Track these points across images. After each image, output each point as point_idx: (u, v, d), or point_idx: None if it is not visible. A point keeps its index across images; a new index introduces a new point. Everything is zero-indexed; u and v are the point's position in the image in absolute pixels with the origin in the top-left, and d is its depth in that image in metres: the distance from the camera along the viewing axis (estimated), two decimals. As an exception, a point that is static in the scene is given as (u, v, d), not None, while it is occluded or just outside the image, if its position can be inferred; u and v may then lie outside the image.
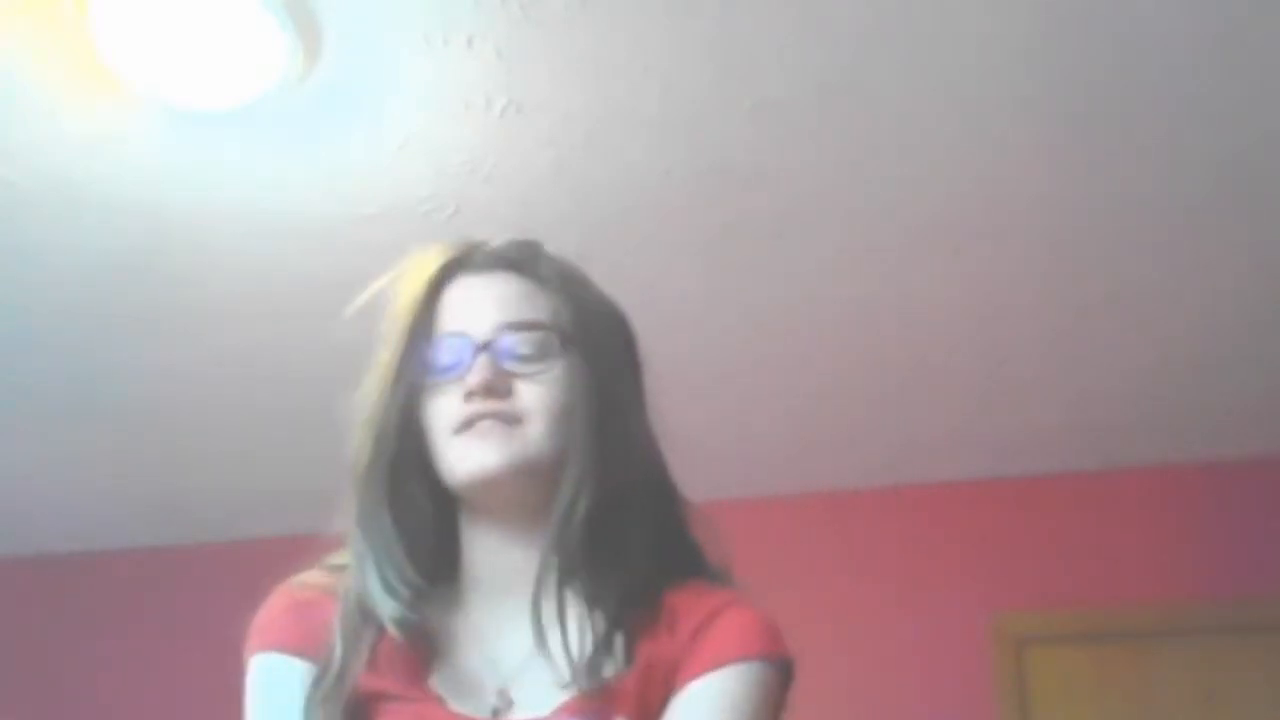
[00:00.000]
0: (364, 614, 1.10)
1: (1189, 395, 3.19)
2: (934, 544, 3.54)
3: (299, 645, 1.12)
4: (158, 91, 2.23)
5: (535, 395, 1.10)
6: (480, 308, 1.14)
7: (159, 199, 2.58)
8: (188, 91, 2.22)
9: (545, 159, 2.46)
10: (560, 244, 2.98)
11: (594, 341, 1.16)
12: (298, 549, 4.54)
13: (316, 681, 1.07)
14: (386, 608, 1.08)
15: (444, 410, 1.11)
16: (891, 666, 3.40)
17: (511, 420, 1.09)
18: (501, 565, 1.12)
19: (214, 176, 2.51)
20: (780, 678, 1.12)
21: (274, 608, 1.19)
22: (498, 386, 1.09)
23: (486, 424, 1.09)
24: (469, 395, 1.09)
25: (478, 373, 1.09)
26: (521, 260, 1.22)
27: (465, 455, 1.09)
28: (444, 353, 1.12)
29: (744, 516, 3.88)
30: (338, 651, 1.08)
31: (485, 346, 1.11)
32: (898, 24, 2.15)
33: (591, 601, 1.08)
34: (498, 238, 1.26)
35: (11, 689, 3.98)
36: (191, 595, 3.99)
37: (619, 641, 1.07)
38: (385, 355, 1.17)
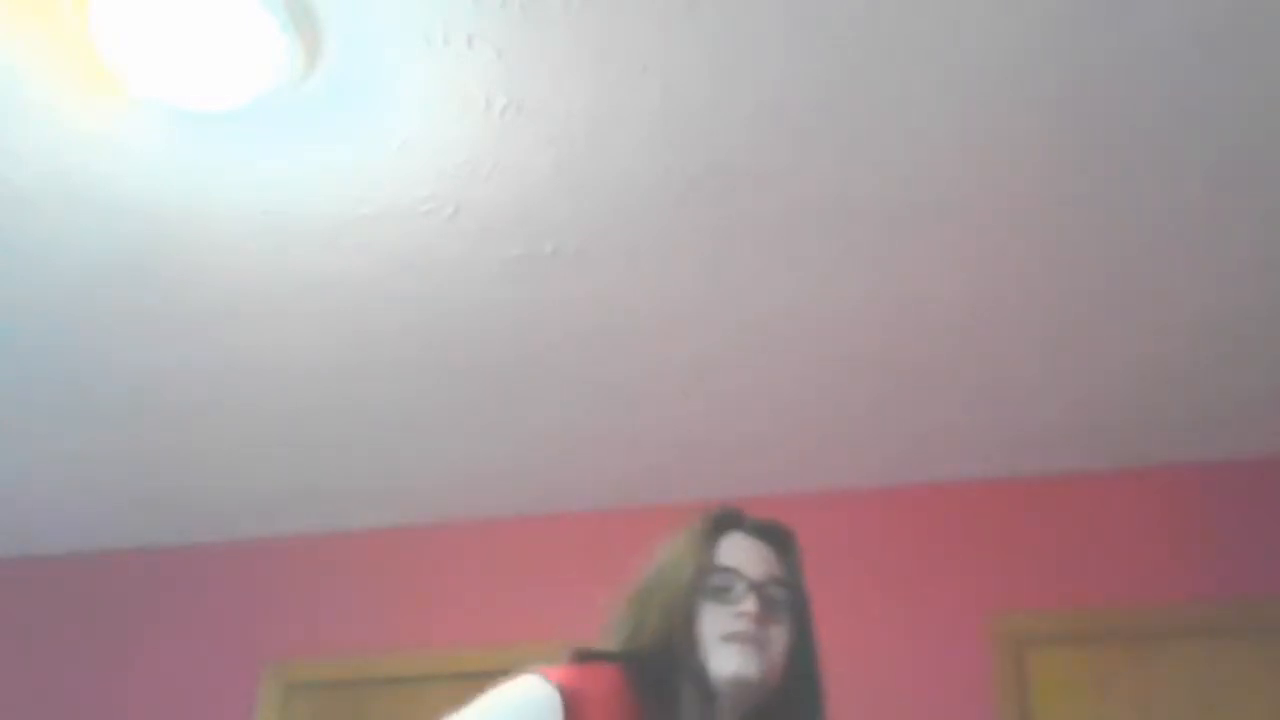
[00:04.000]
0: None
1: (1189, 395, 3.19)
2: (934, 544, 3.54)
3: None
4: (158, 91, 2.23)
5: (778, 634, 1.56)
6: (752, 559, 1.60)
7: (159, 199, 2.58)
8: (188, 91, 2.23)
9: (545, 159, 2.46)
10: (560, 244, 3.01)
11: (806, 617, 1.63)
12: (298, 549, 4.57)
13: None
14: None
15: (715, 620, 1.53)
16: (891, 666, 3.40)
17: (763, 645, 1.53)
18: None
19: (214, 176, 2.51)
20: None
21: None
22: (762, 618, 1.53)
23: (749, 644, 1.52)
24: (739, 616, 1.52)
25: (752, 605, 1.53)
26: (782, 541, 1.66)
27: (730, 660, 1.51)
28: (723, 580, 1.56)
29: (744, 516, 3.87)
30: None
31: (756, 587, 1.55)
32: (898, 24, 2.15)
33: None
34: (758, 516, 1.68)
35: (12, 689, 3.98)
36: (191, 595, 4.00)
37: None
38: (675, 572, 1.58)
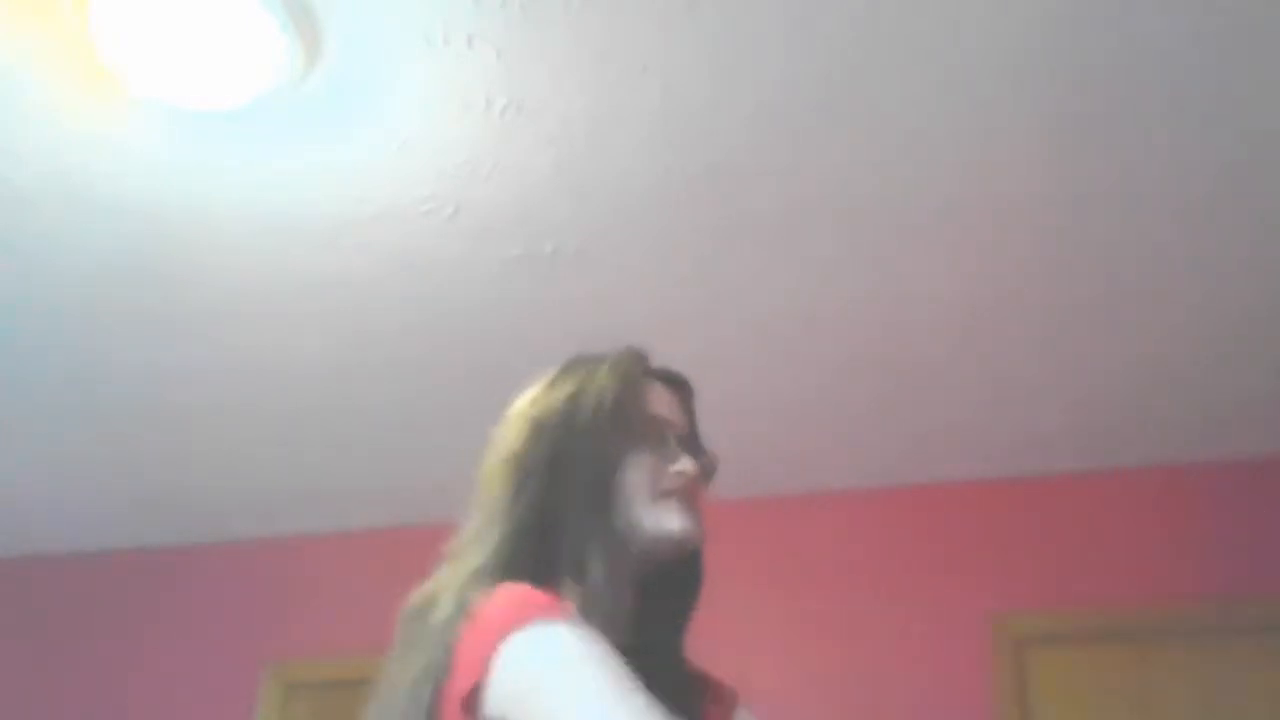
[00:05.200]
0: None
1: (1189, 395, 3.19)
2: (934, 544, 3.54)
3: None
4: (158, 91, 2.23)
5: (700, 491, 1.37)
6: (679, 413, 1.41)
7: (159, 199, 2.58)
8: (188, 91, 2.23)
9: (545, 159, 2.46)
10: (560, 244, 3.01)
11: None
12: (298, 549, 4.58)
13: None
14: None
15: (649, 472, 1.33)
16: (891, 666, 3.40)
17: (698, 504, 1.35)
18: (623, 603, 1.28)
19: (214, 176, 2.51)
20: None
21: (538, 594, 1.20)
22: (696, 481, 1.35)
23: (690, 502, 1.33)
24: (678, 474, 1.33)
25: (693, 464, 1.34)
26: (690, 395, 1.47)
27: (673, 517, 1.32)
28: (656, 429, 1.36)
29: (744, 516, 3.92)
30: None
31: (686, 442, 1.37)
32: (897, 24, 2.15)
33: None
34: (663, 363, 1.48)
35: (12, 689, 3.98)
36: (191, 595, 4.00)
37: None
38: (595, 410, 1.34)
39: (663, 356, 1.52)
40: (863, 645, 3.43)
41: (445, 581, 1.29)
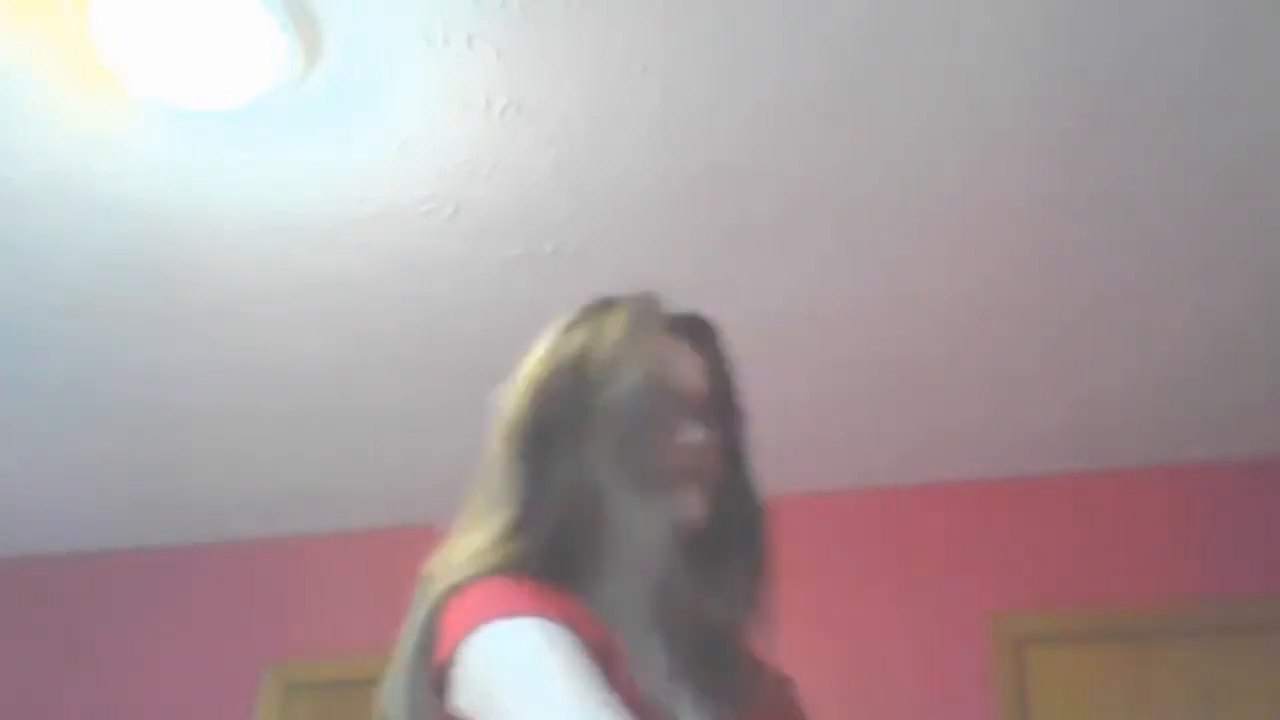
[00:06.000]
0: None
1: (1189, 395, 3.19)
2: (934, 544, 3.54)
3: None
4: (158, 91, 2.23)
5: (710, 462, 1.27)
6: (688, 371, 1.31)
7: (159, 199, 2.58)
8: (188, 91, 2.23)
9: (545, 159, 2.46)
10: (560, 244, 3.01)
11: (740, 436, 1.36)
12: (297, 549, 4.57)
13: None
14: None
15: (665, 445, 1.21)
16: (891, 666, 3.40)
17: (704, 481, 1.25)
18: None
19: (214, 176, 2.51)
20: None
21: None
22: (704, 449, 1.25)
23: (694, 481, 1.23)
24: (682, 448, 1.22)
25: (711, 448, 1.24)
26: (710, 340, 1.40)
27: (689, 502, 1.22)
28: (683, 405, 1.25)
29: (744, 516, 3.88)
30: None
31: (707, 419, 1.26)
32: (897, 24, 2.15)
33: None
34: (680, 306, 1.38)
35: (12, 689, 3.98)
36: (191, 595, 4.00)
37: None
38: (619, 385, 1.22)
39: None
40: (863, 644, 3.43)
41: (446, 556, 1.24)
